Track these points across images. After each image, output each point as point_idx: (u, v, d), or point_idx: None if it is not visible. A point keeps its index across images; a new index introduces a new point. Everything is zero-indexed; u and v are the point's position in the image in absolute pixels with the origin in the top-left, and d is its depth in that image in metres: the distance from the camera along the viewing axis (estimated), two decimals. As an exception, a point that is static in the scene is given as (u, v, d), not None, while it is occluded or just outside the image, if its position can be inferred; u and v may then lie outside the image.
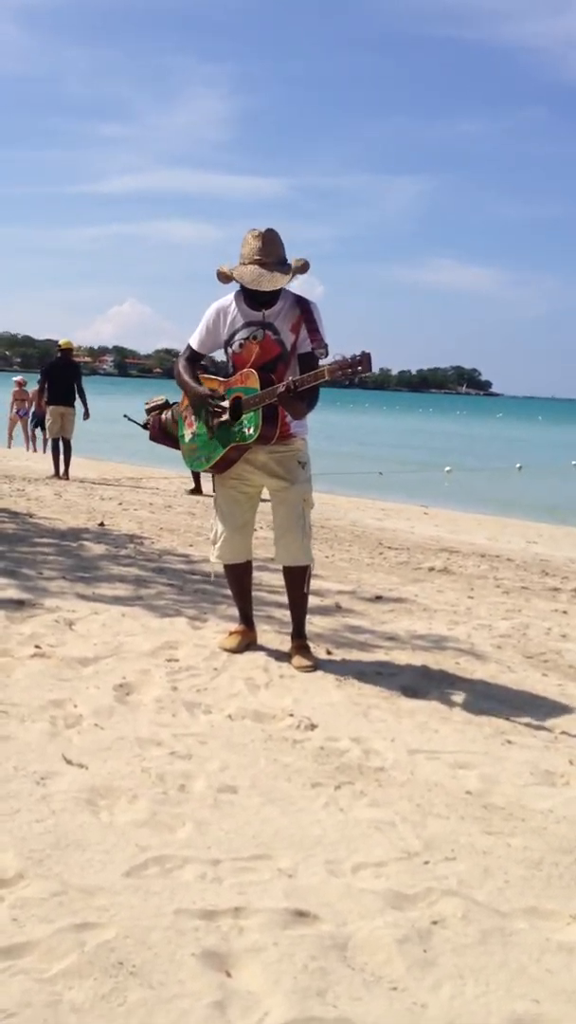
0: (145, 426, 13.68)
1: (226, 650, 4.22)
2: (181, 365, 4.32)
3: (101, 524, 8.04)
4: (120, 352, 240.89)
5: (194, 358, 4.31)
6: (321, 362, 3.85)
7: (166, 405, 12.72)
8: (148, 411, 12.68)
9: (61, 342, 13.19)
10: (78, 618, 4.57)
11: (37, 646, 4.03)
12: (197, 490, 11.91)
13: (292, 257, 4.03)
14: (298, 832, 2.55)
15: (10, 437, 21.14)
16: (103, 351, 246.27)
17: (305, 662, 4.11)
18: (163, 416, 13.22)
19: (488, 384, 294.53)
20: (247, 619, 4.47)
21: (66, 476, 12.51)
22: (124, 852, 2.35)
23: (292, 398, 3.83)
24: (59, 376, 12.76)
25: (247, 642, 4.35)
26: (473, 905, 2.23)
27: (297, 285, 4.07)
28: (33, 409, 20.48)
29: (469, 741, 3.38)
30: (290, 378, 3.85)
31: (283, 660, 4.16)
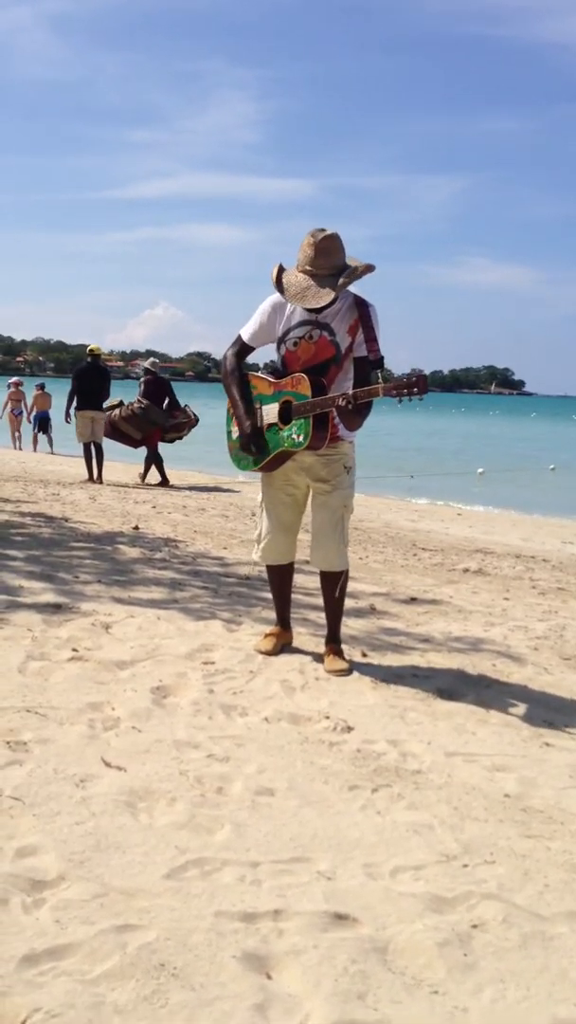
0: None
1: (262, 652, 4.22)
2: (229, 363, 4.21)
3: (136, 528, 8.09)
4: (153, 355, 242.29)
5: (243, 351, 4.20)
6: (377, 375, 3.78)
7: (119, 405, 13.23)
8: (105, 410, 13.10)
9: (90, 347, 13.28)
10: (114, 621, 4.61)
11: (74, 649, 4.07)
12: (164, 481, 12.70)
13: (354, 258, 3.88)
14: (336, 835, 2.55)
15: (15, 438, 21.54)
16: (136, 355, 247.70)
17: (339, 666, 4.09)
18: (112, 414, 13.69)
19: (521, 383, 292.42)
20: (284, 621, 4.46)
21: (100, 480, 12.61)
22: (164, 854, 2.37)
23: (349, 411, 3.77)
24: (89, 381, 12.82)
25: (283, 644, 4.35)
26: (513, 909, 2.22)
27: (356, 286, 3.92)
28: (35, 412, 20.98)
29: (507, 744, 3.36)
30: (348, 391, 3.79)
31: (319, 662, 4.17)
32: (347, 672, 4.05)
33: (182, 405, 13.21)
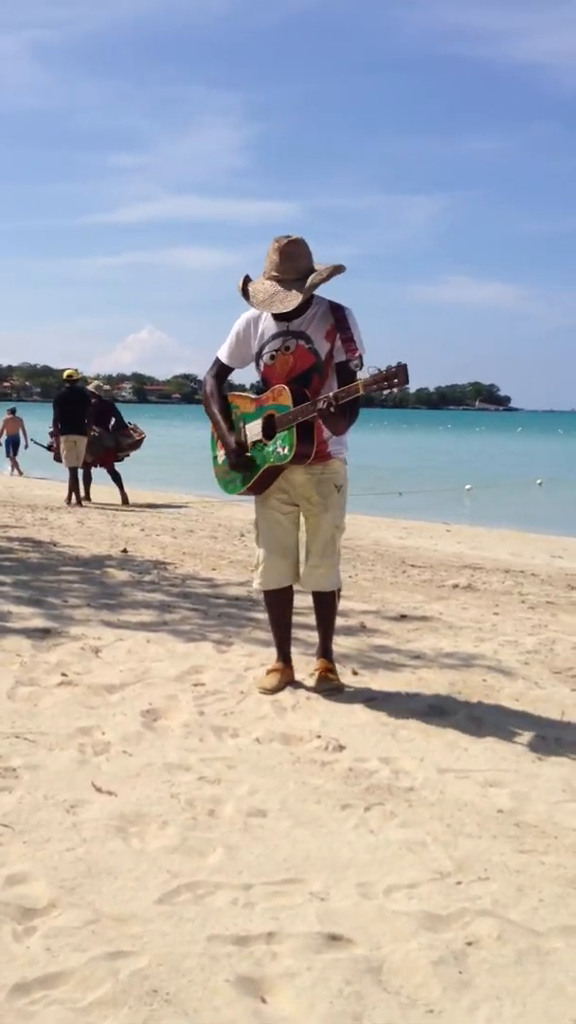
0: (49, 448, 14.67)
1: (266, 690, 3.96)
2: (208, 386, 4.14)
3: (124, 551, 8.07)
4: (139, 379, 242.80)
5: (222, 373, 4.12)
6: (358, 374, 3.71)
7: None
8: (51, 434, 13.70)
9: (66, 373, 13.52)
10: (104, 645, 4.59)
11: (64, 674, 4.05)
12: (87, 497, 13.08)
13: (322, 263, 3.80)
14: (329, 855, 2.54)
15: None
16: (122, 378, 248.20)
17: (330, 683, 4.02)
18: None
19: (507, 399, 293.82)
20: (286, 656, 4.20)
21: (88, 499, 12.89)
22: (156, 879, 2.35)
23: (333, 414, 3.63)
24: (69, 406, 12.99)
25: (286, 681, 4.08)
26: (508, 925, 2.21)
27: (337, 293, 3.87)
28: (4, 436, 21.39)
29: (499, 759, 3.35)
30: (329, 393, 3.65)
31: (310, 682, 4.15)
32: (338, 690, 3.99)
33: (129, 424, 13.83)
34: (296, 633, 4.98)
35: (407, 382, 3.49)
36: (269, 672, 4.14)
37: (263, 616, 5.01)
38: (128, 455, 13.91)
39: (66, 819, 2.65)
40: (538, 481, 23.76)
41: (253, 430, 3.95)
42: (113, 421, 13.68)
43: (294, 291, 3.70)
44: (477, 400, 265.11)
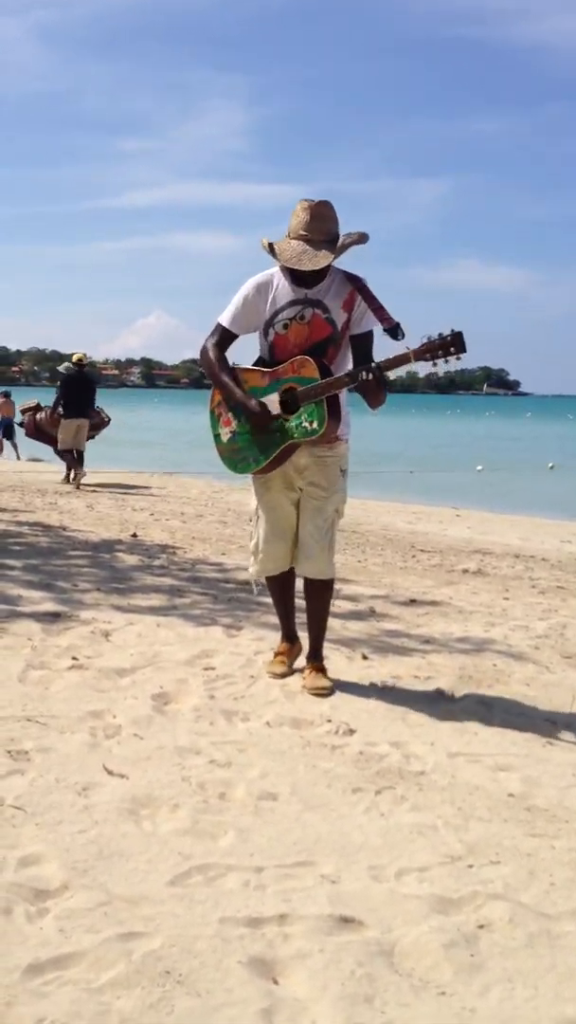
0: (21, 424, 14.86)
1: (275, 675, 3.93)
2: (212, 353, 3.83)
3: (134, 535, 8.08)
4: (147, 364, 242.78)
5: (224, 341, 3.83)
6: (400, 345, 3.47)
7: (38, 408, 13.92)
8: (23, 412, 13.92)
9: (75, 356, 13.55)
10: (114, 629, 4.60)
11: (74, 658, 4.06)
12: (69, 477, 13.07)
13: (346, 232, 3.64)
14: (340, 838, 2.55)
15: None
16: (130, 363, 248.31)
17: (321, 684, 3.79)
18: (37, 416, 14.43)
19: (517, 384, 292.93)
20: (291, 635, 4.14)
21: (79, 485, 12.83)
22: (167, 861, 2.36)
23: (376, 386, 3.42)
24: (76, 389, 13.08)
25: (295, 657, 4.08)
26: (519, 908, 2.21)
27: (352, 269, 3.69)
28: (0, 419, 21.46)
29: (510, 743, 3.36)
30: (373, 363, 3.46)
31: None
32: (329, 692, 3.76)
33: (97, 407, 13.74)
34: (303, 617, 5.00)
35: (464, 350, 3.28)
36: (277, 655, 4.09)
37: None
38: (92, 437, 13.76)
39: (78, 801, 2.66)
40: (550, 465, 23.76)
41: (269, 405, 3.69)
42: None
43: (324, 251, 3.53)
44: (485, 385, 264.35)
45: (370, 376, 3.42)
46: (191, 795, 2.76)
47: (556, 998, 1.89)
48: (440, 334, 3.30)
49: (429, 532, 10.26)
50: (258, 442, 3.75)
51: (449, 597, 6.04)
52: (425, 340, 3.35)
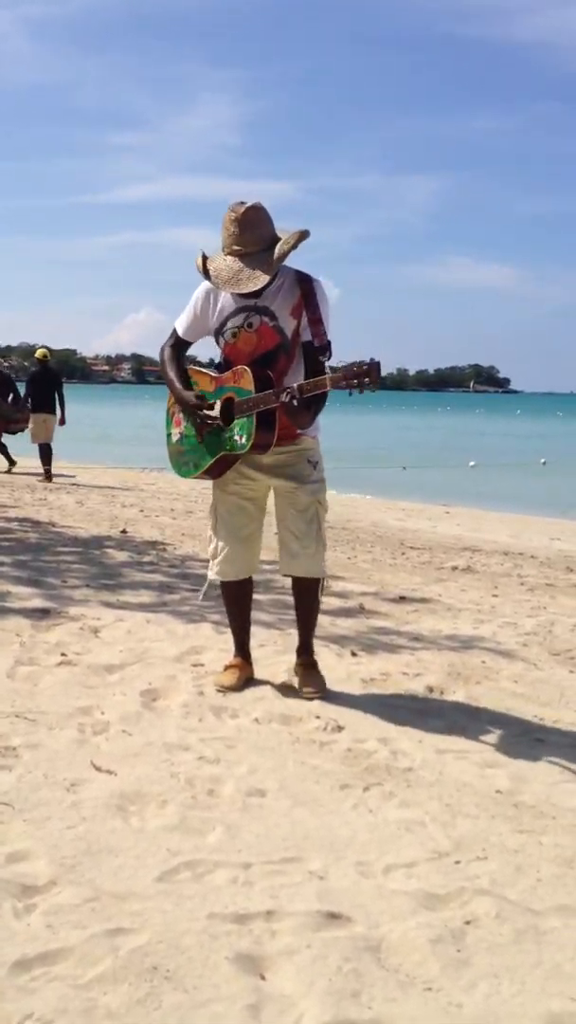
0: None
1: (224, 687, 3.72)
2: (166, 354, 3.75)
3: (123, 531, 8.07)
4: (138, 360, 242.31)
5: (179, 345, 3.75)
6: (327, 364, 3.35)
7: None
8: None
9: (38, 352, 14.01)
10: (103, 625, 4.59)
11: (63, 654, 4.05)
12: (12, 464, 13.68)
13: (284, 229, 3.45)
14: (328, 834, 2.55)
15: None
16: (121, 359, 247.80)
17: (314, 683, 3.72)
18: None
19: (506, 381, 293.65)
20: (244, 650, 3.93)
21: (48, 478, 13.09)
22: (155, 857, 2.36)
23: (296, 407, 3.30)
24: (41, 385, 13.46)
25: (245, 677, 3.83)
26: (506, 904, 2.22)
27: (318, 257, 3.64)
28: None
29: (498, 740, 3.37)
30: (294, 384, 3.31)
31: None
32: (323, 691, 3.69)
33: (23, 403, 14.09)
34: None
35: (378, 381, 3.17)
36: (227, 668, 3.86)
37: (263, 597, 5.01)
38: (15, 432, 14.11)
39: (66, 798, 2.66)
40: (542, 460, 23.90)
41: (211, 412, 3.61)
42: (11, 396, 14.07)
43: (260, 269, 3.35)
44: (472, 383, 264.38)
45: (288, 399, 3.29)
46: (179, 791, 2.76)
47: (542, 993, 1.90)
48: (359, 363, 3.18)
49: (419, 529, 10.28)
50: (199, 448, 3.67)
51: (438, 594, 6.06)
52: (346, 367, 3.22)
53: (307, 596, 3.79)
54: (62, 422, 13.25)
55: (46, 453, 13.22)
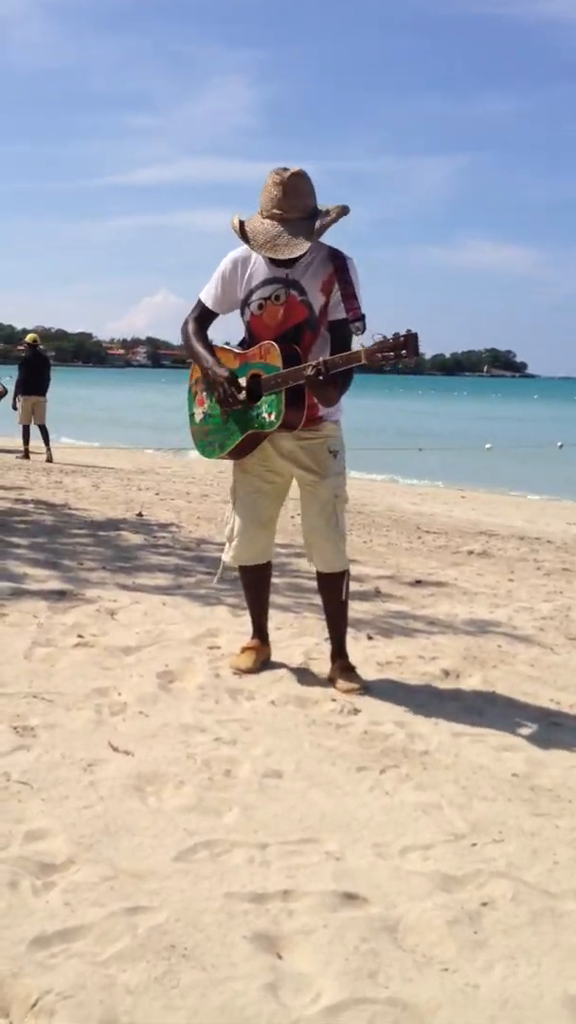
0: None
1: (240, 670, 3.71)
2: (190, 327, 3.64)
3: (139, 514, 8.09)
4: (153, 343, 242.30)
5: (204, 317, 3.63)
6: (355, 340, 3.28)
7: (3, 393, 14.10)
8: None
9: (28, 338, 14.66)
10: (119, 607, 4.61)
11: (80, 635, 4.07)
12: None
13: (325, 203, 3.37)
14: (344, 815, 2.55)
15: None
16: (136, 342, 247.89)
17: (352, 685, 3.58)
18: None
19: (524, 365, 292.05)
20: (262, 632, 3.92)
21: (49, 459, 13.62)
22: (173, 837, 2.37)
23: (323, 383, 3.21)
24: (31, 369, 14.08)
25: (263, 659, 3.82)
26: (522, 886, 2.22)
27: (333, 239, 3.41)
28: None
29: (514, 724, 3.36)
30: (320, 358, 3.23)
31: (324, 646, 4.15)
32: (363, 691, 3.56)
33: None
34: (312, 598, 5.00)
35: (417, 353, 3.07)
36: (244, 650, 3.85)
37: (279, 580, 5.02)
38: None
39: (83, 777, 2.68)
40: (559, 444, 23.84)
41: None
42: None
43: (301, 234, 3.25)
44: (486, 367, 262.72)
45: (315, 373, 3.20)
46: (196, 772, 2.77)
47: (559, 975, 1.90)
48: (395, 335, 3.08)
49: (435, 513, 10.25)
50: (225, 427, 3.60)
51: (454, 578, 6.05)
52: (379, 337, 3.12)
53: (332, 591, 3.71)
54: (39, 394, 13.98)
55: (29, 434, 13.92)
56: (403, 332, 3.07)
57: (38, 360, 14.24)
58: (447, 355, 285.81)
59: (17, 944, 1.87)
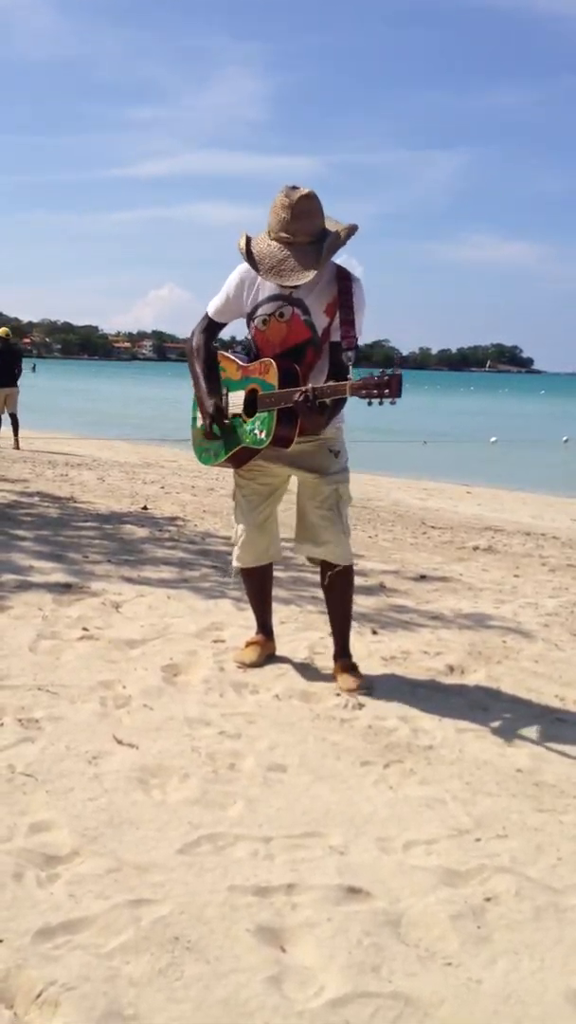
0: None
1: (244, 664, 3.73)
2: (194, 341, 3.68)
3: (144, 508, 8.09)
4: (159, 336, 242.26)
5: (211, 329, 3.66)
6: (350, 367, 3.30)
7: None
8: None
9: (0, 331, 15.08)
10: (124, 600, 4.61)
11: (85, 628, 4.07)
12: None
13: (333, 219, 3.39)
14: (348, 810, 2.56)
15: None
16: (142, 336, 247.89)
17: (354, 684, 3.55)
18: None
19: (530, 361, 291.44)
20: (266, 628, 3.93)
21: (17, 447, 14.10)
22: (177, 830, 2.37)
23: (309, 409, 3.22)
24: (3, 362, 14.51)
25: (267, 654, 3.84)
26: (526, 882, 2.22)
27: (343, 259, 3.46)
28: None
29: (518, 719, 3.36)
30: (310, 384, 3.24)
31: (328, 640, 4.15)
32: (366, 692, 3.53)
33: None
34: (316, 592, 4.99)
35: (399, 395, 3.07)
36: (248, 644, 3.86)
37: (282, 575, 5.02)
38: None
39: (88, 770, 2.68)
40: (564, 439, 23.81)
41: (235, 400, 3.55)
42: None
43: (309, 262, 3.26)
44: (488, 362, 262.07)
45: (302, 399, 3.20)
46: (201, 765, 2.78)
47: (562, 970, 1.90)
48: (381, 374, 3.09)
49: (440, 508, 10.24)
50: (223, 437, 3.60)
51: (459, 574, 6.04)
52: (366, 376, 3.13)
53: (336, 587, 3.68)
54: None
55: (14, 424, 14.43)
56: (388, 372, 3.09)
57: (10, 353, 14.73)
58: (453, 350, 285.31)
59: (22, 936, 1.88)
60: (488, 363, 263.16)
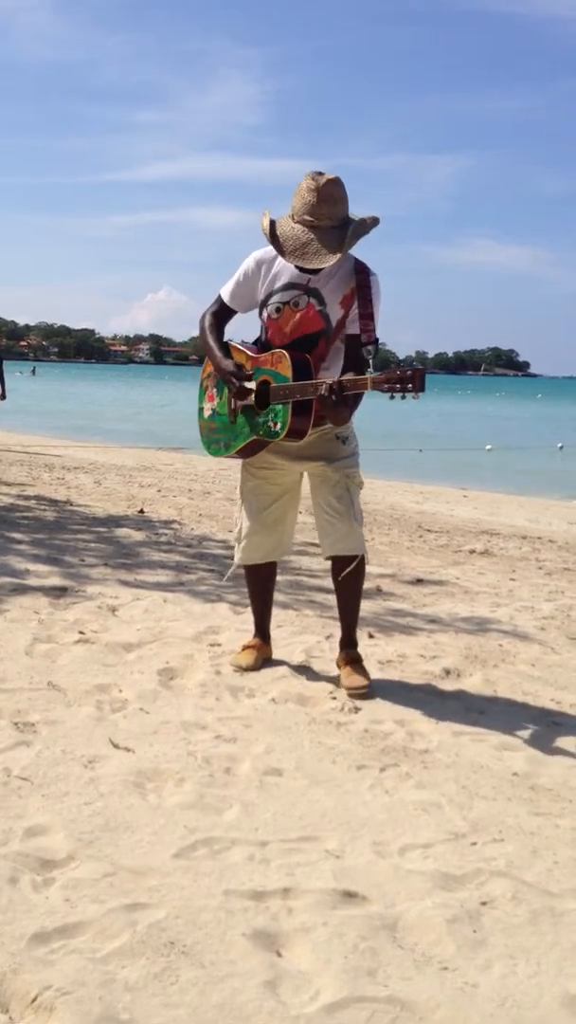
0: None
1: (240, 668, 3.71)
2: (207, 321, 3.62)
3: (141, 511, 8.09)
4: (156, 340, 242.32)
5: (223, 313, 3.60)
6: (370, 361, 3.26)
7: None
8: None
9: None
10: (120, 604, 4.61)
11: (81, 632, 4.07)
12: None
13: (356, 212, 3.33)
14: (344, 814, 2.56)
15: None
16: (139, 339, 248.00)
17: (358, 682, 3.52)
18: None
19: (526, 365, 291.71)
20: (263, 632, 3.91)
21: None
22: (173, 834, 2.37)
23: (335, 402, 3.19)
24: None
25: (263, 658, 3.82)
26: (522, 886, 2.22)
27: (359, 251, 3.39)
28: None
29: (515, 723, 3.36)
30: (334, 378, 3.22)
31: (325, 644, 4.16)
32: (367, 690, 3.51)
33: None
34: (312, 596, 5.00)
35: (422, 389, 3.08)
36: (245, 648, 3.84)
37: (280, 578, 5.01)
38: None
39: (84, 774, 2.68)
40: (559, 445, 23.82)
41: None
42: None
43: (332, 245, 3.22)
44: (483, 366, 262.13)
45: (327, 393, 3.18)
46: (197, 769, 2.77)
47: (559, 975, 1.90)
48: (403, 368, 3.10)
49: (436, 512, 10.24)
50: (232, 427, 3.58)
51: (456, 577, 6.04)
52: (389, 370, 3.13)
53: (346, 577, 3.62)
54: (2, 396, 14.06)
55: None
56: (411, 367, 3.10)
57: None
58: (449, 353, 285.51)
59: (17, 940, 1.88)
60: (483, 367, 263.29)
